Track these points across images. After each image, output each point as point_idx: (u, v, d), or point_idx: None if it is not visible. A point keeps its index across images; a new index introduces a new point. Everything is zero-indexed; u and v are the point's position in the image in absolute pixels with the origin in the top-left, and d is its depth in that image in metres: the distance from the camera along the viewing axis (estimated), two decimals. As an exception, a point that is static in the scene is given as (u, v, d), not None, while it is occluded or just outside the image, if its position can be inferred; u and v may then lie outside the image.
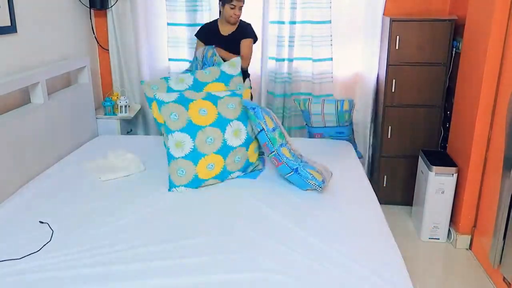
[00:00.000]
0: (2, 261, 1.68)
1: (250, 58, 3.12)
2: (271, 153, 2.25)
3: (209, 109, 2.35)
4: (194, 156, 2.28)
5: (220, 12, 3.10)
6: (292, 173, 2.21)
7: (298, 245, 1.79)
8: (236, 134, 2.34)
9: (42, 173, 2.52)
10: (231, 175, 2.40)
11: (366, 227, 1.97)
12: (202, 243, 1.81)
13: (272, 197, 2.22)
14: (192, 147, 2.27)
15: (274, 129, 2.25)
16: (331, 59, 3.36)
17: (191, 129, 2.28)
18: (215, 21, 3.16)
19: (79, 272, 1.62)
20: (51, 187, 2.34)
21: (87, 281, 1.57)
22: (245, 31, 3.12)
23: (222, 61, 2.87)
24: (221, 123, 2.33)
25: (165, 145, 2.36)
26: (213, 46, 2.97)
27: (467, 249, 2.90)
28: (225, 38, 3.10)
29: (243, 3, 3.02)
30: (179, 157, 2.27)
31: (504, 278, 2.40)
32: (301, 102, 3.04)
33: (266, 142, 2.26)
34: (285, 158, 2.22)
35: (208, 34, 3.15)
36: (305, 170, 2.18)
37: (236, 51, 3.08)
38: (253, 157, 2.45)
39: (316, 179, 2.17)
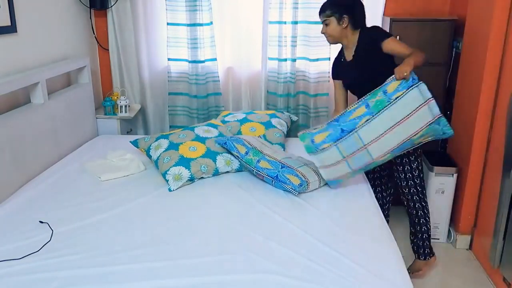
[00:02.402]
0: (2, 261, 1.68)
1: (411, 50, 2.23)
2: (253, 171, 2.40)
3: (198, 147, 2.51)
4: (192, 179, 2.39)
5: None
6: (274, 180, 2.28)
7: (298, 245, 1.79)
8: (228, 163, 2.49)
9: (42, 173, 2.52)
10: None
11: (366, 227, 1.97)
12: (202, 243, 1.81)
13: (272, 197, 2.22)
14: (190, 176, 2.35)
15: (247, 152, 2.40)
16: (329, 59, 3.35)
17: (184, 162, 2.39)
18: (342, 49, 2.55)
19: (79, 273, 1.62)
20: (51, 187, 2.34)
21: (87, 282, 1.57)
22: (370, 42, 2.33)
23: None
24: (211, 154, 2.48)
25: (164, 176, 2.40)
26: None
27: (467, 249, 2.90)
28: (348, 65, 2.45)
29: (327, 17, 2.35)
30: (178, 188, 2.33)
31: (504, 278, 2.40)
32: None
33: (245, 165, 2.43)
34: (265, 171, 2.31)
35: (337, 68, 2.57)
36: (283, 175, 2.25)
37: (364, 75, 2.37)
38: None
39: (292, 183, 2.21)
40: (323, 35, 2.46)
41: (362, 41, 2.36)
